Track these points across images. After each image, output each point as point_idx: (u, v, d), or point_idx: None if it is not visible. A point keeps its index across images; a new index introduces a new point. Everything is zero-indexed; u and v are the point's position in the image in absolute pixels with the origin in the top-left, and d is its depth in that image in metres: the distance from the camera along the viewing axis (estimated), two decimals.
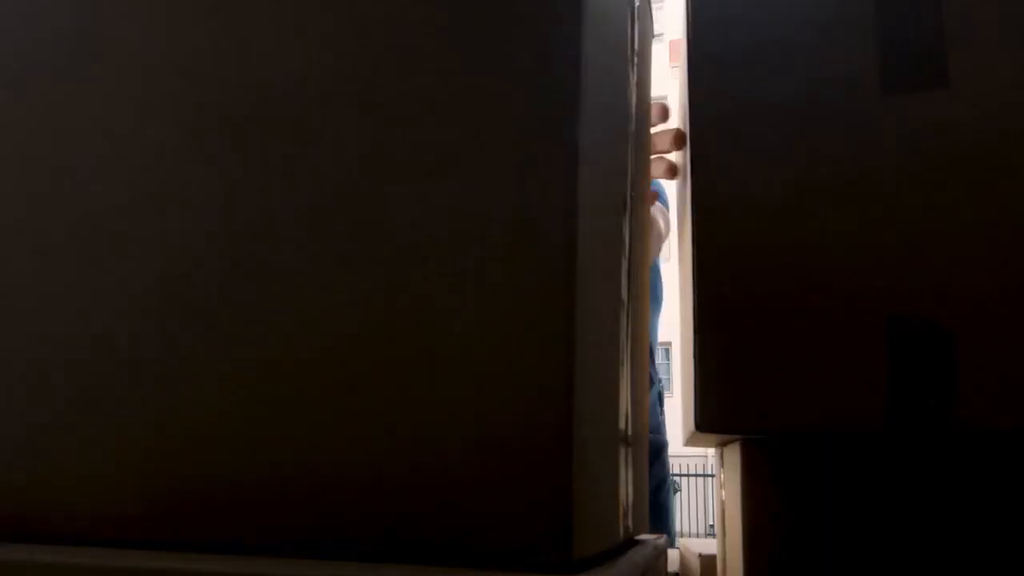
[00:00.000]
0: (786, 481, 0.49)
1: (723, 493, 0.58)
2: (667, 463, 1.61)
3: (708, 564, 0.82)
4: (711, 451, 0.80)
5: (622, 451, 0.41)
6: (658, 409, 1.58)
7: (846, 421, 0.47)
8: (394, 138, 0.34)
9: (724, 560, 0.60)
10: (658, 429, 1.60)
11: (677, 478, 11.63)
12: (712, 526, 12.80)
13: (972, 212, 0.48)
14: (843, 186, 0.50)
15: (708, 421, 0.49)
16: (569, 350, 0.30)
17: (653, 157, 0.87)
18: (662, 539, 0.61)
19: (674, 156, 0.80)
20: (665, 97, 1.46)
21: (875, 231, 0.49)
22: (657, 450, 1.57)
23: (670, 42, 21.60)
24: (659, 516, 1.55)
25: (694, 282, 0.51)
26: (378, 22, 0.36)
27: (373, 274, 0.33)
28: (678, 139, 0.73)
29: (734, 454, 0.51)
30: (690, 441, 0.56)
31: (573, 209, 0.31)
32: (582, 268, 0.32)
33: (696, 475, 12.68)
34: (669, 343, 13.93)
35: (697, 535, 12.50)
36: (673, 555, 0.98)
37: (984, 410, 0.46)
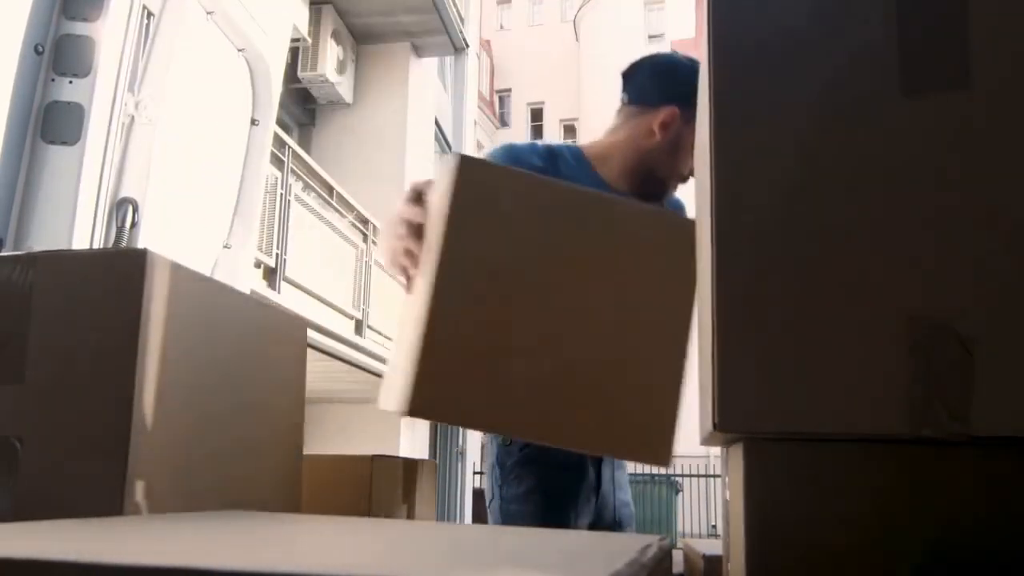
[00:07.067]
0: (789, 481, 0.49)
1: (727, 493, 0.58)
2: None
3: (712, 565, 0.82)
4: (712, 451, 0.79)
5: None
6: None
7: (868, 424, 0.47)
8: None
9: (728, 559, 0.60)
10: None
11: (679, 479, 11.62)
12: (714, 526, 12.78)
13: (991, 216, 0.48)
14: (866, 187, 0.50)
15: (727, 421, 0.49)
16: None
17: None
18: (666, 540, 0.61)
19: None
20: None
21: (896, 232, 0.49)
22: None
23: (672, 42, 21.63)
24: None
25: (714, 283, 0.51)
26: None
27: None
28: None
29: (738, 454, 0.51)
30: (707, 441, 0.56)
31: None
32: None
33: (697, 475, 12.67)
34: None
35: (699, 536, 12.48)
36: (677, 556, 0.98)
37: (1000, 417, 0.46)
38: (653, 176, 1.38)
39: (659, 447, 0.91)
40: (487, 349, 0.86)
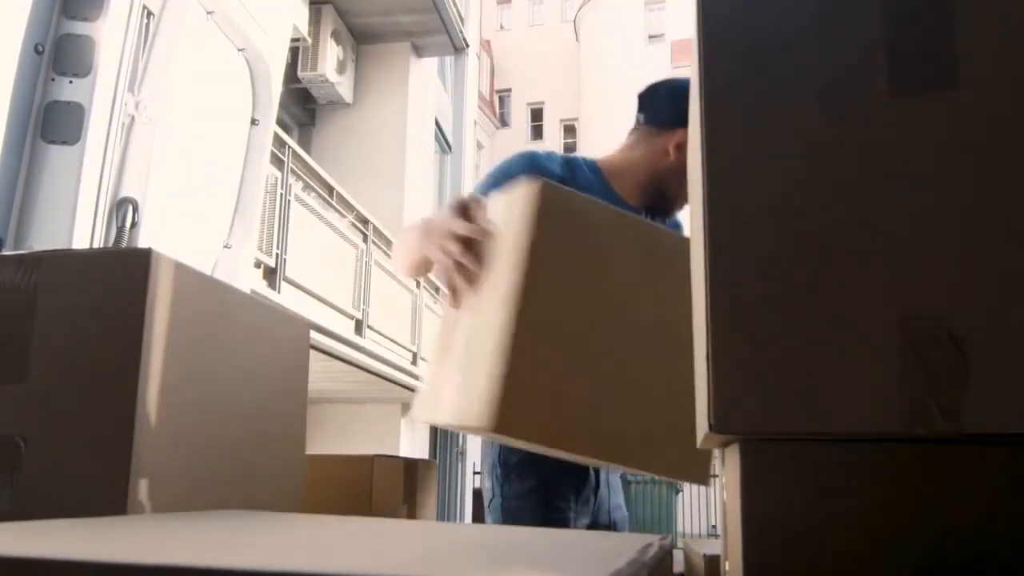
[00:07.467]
0: (784, 482, 0.50)
1: (724, 494, 0.58)
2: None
3: (712, 565, 0.82)
4: (714, 452, 0.80)
5: None
6: None
7: (863, 424, 0.48)
8: None
9: (726, 560, 0.60)
10: None
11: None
12: (714, 526, 12.76)
13: (987, 216, 0.48)
14: (862, 187, 0.50)
15: (723, 423, 0.49)
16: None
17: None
18: (667, 540, 0.61)
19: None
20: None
21: (887, 232, 0.49)
22: None
23: (672, 42, 21.63)
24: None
25: (707, 284, 0.51)
26: None
27: None
28: None
29: (734, 455, 0.52)
30: (703, 443, 0.57)
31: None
32: None
33: None
34: None
35: (699, 536, 12.48)
36: (677, 556, 0.98)
37: (993, 415, 0.46)
38: (663, 194, 1.45)
39: (701, 466, 0.99)
40: (562, 371, 0.92)
